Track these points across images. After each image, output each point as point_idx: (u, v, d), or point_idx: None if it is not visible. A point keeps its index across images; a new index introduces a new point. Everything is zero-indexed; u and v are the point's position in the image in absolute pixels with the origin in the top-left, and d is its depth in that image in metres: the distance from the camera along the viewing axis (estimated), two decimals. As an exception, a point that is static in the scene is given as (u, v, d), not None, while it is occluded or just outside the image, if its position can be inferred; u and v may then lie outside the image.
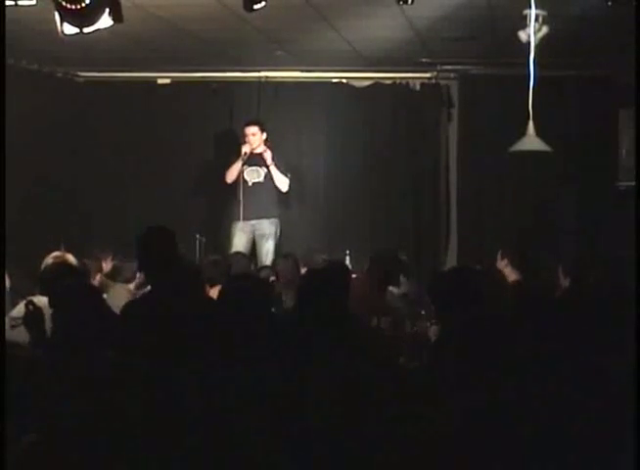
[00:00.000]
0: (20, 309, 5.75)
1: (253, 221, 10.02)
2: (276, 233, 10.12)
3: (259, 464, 3.64)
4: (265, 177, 10.08)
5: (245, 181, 10.05)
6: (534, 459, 3.43)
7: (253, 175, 10.07)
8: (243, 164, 10.06)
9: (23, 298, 6.17)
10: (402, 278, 7.93)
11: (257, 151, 10.10)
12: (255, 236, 10.07)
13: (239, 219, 10.01)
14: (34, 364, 4.09)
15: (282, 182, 10.08)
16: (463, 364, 3.74)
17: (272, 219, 10.11)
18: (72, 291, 4.91)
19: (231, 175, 10.10)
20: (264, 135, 10.13)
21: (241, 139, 10.27)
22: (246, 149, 10.06)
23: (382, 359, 4.68)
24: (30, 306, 4.88)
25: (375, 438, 3.44)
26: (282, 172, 10.08)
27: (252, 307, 4.53)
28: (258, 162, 10.09)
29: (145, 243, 5.56)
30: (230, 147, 10.57)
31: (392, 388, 3.92)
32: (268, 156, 10.04)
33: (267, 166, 10.05)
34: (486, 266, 7.89)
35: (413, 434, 3.18)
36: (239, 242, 9.97)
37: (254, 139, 10.08)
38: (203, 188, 10.96)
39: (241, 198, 9.98)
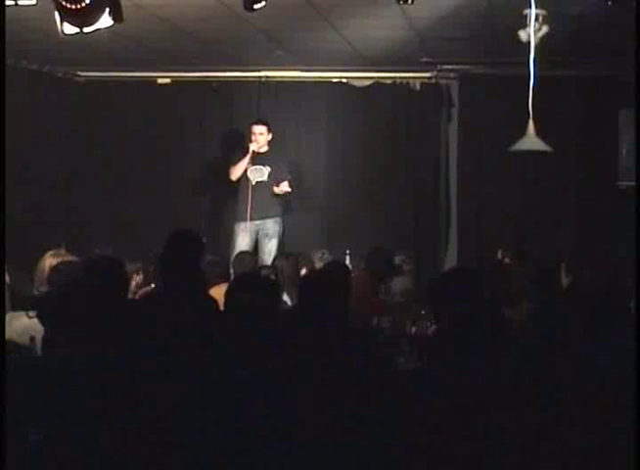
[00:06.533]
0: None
1: (258, 221, 10.00)
2: (279, 232, 10.11)
3: (259, 463, 3.65)
4: (269, 176, 10.06)
5: (248, 180, 10.05)
6: (535, 458, 3.43)
7: (257, 174, 10.05)
8: (248, 163, 10.05)
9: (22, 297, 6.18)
10: (400, 278, 7.94)
11: (262, 150, 10.10)
12: (259, 236, 10.05)
13: (244, 220, 9.96)
14: (40, 362, 4.09)
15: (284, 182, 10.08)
16: (462, 364, 3.74)
17: (276, 218, 10.09)
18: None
19: (237, 172, 10.06)
20: (270, 136, 10.13)
21: (246, 137, 10.27)
22: (253, 147, 10.05)
23: (381, 359, 4.68)
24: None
25: (374, 436, 3.44)
26: (284, 173, 10.10)
27: (261, 307, 4.53)
28: (262, 161, 10.08)
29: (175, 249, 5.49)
30: (233, 146, 10.58)
31: (392, 388, 3.92)
32: (273, 155, 10.07)
33: (271, 166, 10.05)
34: (491, 263, 7.92)
35: (411, 433, 3.19)
36: (242, 242, 9.94)
37: (262, 138, 10.07)
38: (205, 187, 10.98)
39: (248, 198, 9.94)
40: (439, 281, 5.32)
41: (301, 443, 3.76)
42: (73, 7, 5.97)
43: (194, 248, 5.48)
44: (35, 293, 6.19)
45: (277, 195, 10.02)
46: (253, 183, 10.01)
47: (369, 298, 7.10)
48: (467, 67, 10.51)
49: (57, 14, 6.19)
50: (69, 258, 6.67)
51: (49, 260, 6.54)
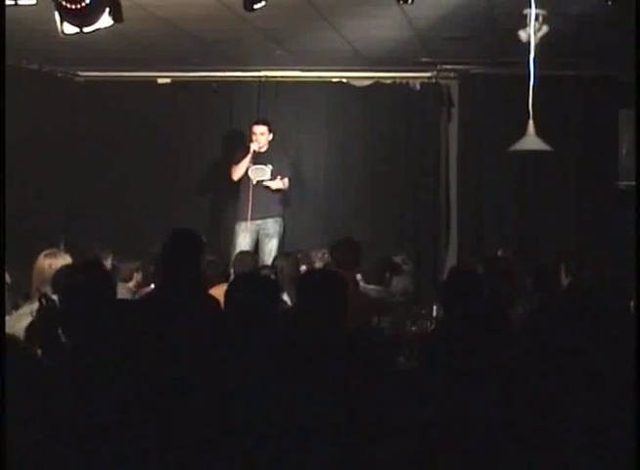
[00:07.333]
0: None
1: (259, 221, 10.02)
2: (280, 232, 10.13)
3: (259, 462, 3.65)
4: (270, 176, 10.08)
5: (249, 180, 10.05)
6: (535, 457, 3.44)
7: (258, 174, 10.06)
8: (249, 163, 10.06)
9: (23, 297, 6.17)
10: (400, 277, 7.93)
11: (263, 150, 10.11)
12: (260, 235, 10.06)
13: (244, 219, 9.98)
14: (43, 364, 4.09)
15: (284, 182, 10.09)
16: (462, 364, 3.74)
17: (277, 218, 10.11)
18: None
19: (238, 172, 10.08)
20: (271, 135, 10.15)
21: (247, 137, 10.28)
22: (254, 147, 10.06)
23: (380, 359, 4.68)
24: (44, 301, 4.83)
25: (373, 436, 3.44)
26: (285, 172, 10.11)
27: (261, 307, 4.53)
28: (263, 161, 10.09)
29: (174, 248, 5.48)
30: (234, 146, 10.59)
31: (391, 387, 3.92)
32: (274, 155, 10.08)
33: (272, 165, 10.06)
34: (491, 263, 7.91)
35: (411, 432, 3.19)
36: (243, 242, 9.95)
37: (262, 138, 10.08)
38: (207, 187, 11.00)
39: (248, 197, 9.94)
40: (443, 282, 5.34)
41: (301, 442, 3.76)
42: (73, 7, 5.98)
43: (194, 247, 5.48)
44: (34, 292, 6.17)
45: (275, 190, 10.03)
46: (254, 183, 10.02)
47: (355, 296, 7.05)
48: (467, 67, 10.51)
49: (57, 14, 6.20)
50: (66, 257, 6.65)
51: (48, 261, 6.50)
